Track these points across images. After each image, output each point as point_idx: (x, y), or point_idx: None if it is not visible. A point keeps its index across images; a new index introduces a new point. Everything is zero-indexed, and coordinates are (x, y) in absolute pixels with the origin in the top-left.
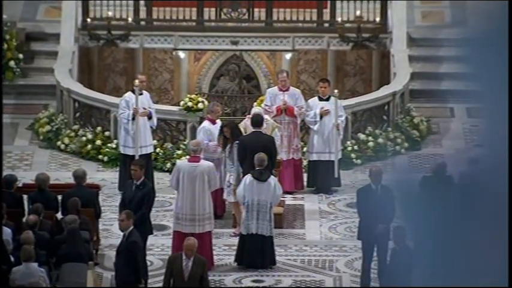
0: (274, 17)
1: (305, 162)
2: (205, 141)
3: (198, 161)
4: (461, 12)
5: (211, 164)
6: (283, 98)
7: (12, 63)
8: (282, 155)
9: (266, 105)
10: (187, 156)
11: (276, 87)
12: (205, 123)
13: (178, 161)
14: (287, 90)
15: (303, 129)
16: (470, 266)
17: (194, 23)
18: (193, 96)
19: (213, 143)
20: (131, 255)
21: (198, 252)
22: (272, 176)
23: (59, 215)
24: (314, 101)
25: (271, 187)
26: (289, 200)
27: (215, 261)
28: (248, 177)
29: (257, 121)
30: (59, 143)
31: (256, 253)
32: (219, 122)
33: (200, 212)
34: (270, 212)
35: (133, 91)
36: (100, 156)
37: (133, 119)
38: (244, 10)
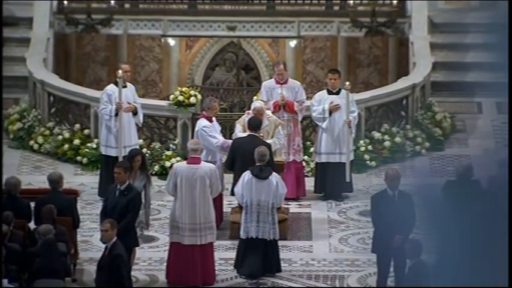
0: None
1: (312, 165)
2: (218, 137)
3: (198, 163)
4: None
5: (212, 166)
6: (280, 92)
7: None
8: (282, 157)
9: (262, 101)
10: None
11: (272, 79)
12: (204, 122)
13: (175, 164)
14: (285, 83)
15: (310, 127)
16: (500, 280)
17: (186, 6)
18: (184, 89)
19: (231, 140)
20: (114, 270)
21: (201, 266)
22: (274, 173)
23: (32, 225)
24: (322, 94)
25: (272, 185)
26: (294, 207)
27: None
28: (247, 175)
29: (254, 124)
30: (31, 142)
31: (257, 260)
32: (214, 120)
33: (202, 221)
34: (272, 213)
35: (116, 83)
36: (78, 158)
37: (116, 115)
38: None
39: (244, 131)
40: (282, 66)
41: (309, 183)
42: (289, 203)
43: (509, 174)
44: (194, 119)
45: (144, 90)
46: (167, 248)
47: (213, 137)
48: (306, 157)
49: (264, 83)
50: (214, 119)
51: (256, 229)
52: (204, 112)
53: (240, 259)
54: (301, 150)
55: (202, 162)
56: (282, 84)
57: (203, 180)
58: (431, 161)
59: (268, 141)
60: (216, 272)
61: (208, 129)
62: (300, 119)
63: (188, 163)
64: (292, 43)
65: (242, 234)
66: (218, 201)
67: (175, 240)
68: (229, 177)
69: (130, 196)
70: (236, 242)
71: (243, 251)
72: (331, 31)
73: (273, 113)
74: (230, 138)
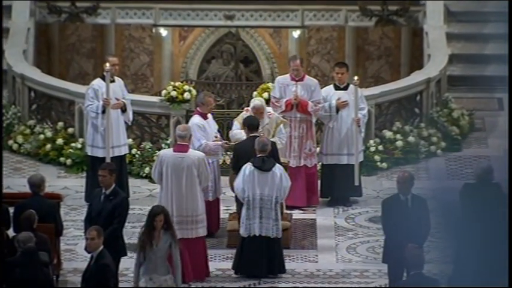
0: None
1: (318, 167)
2: (201, 141)
3: (185, 151)
4: None
5: (201, 154)
6: (294, 90)
7: None
8: (291, 161)
9: (274, 98)
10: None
11: (287, 75)
12: (196, 119)
13: (161, 151)
14: (301, 80)
15: (315, 125)
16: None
17: None
18: (178, 84)
19: (215, 143)
20: (101, 281)
21: (192, 262)
22: (278, 165)
23: (11, 232)
24: (329, 90)
25: (276, 178)
26: (297, 213)
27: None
28: (248, 167)
29: (252, 125)
30: (10, 142)
31: (260, 259)
32: (209, 116)
33: (189, 213)
34: (275, 208)
35: (103, 77)
36: (62, 159)
37: (103, 112)
38: None
39: (243, 130)
40: (298, 62)
41: None
42: (293, 210)
43: (509, 175)
44: (188, 117)
45: (134, 85)
46: None
47: (199, 139)
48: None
49: (277, 78)
50: (210, 116)
51: (260, 226)
52: (198, 108)
53: (241, 259)
54: (313, 155)
55: (190, 150)
56: (297, 81)
57: (190, 170)
58: (447, 162)
59: None
60: (213, 284)
61: (198, 128)
62: (314, 120)
63: (175, 151)
64: (296, 33)
65: (243, 232)
66: (215, 206)
67: None
68: (226, 180)
69: (117, 201)
70: (234, 251)
71: (245, 250)
72: (338, 20)
73: (284, 111)
74: (227, 137)
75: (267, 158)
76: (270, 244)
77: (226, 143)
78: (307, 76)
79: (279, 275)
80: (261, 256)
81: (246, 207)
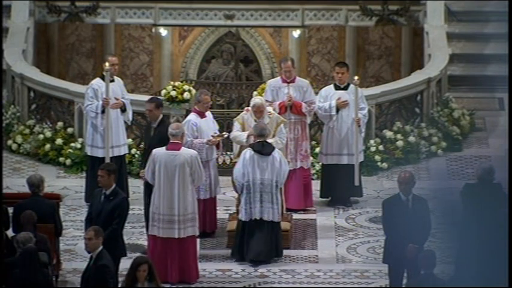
0: None
1: (318, 167)
2: (188, 138)
3: (178, 149)
4: None
5: (194, 152)
6: (287, 92)
7: None
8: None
9: (267, 101)
10: None
11: (278, 77)
12: (191, 116)
13: (155, 149)
14: (292, 81)
15: (315, 125)
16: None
17: None
18: (177, 83)
19: (199, 140)
20: (100, 282)
21: (180, 262)
22: (277, 149)
23: (10, 233)
24: (329, 90)
25: (276, 162)
26: (298, 213)
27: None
28: (248, 152)
29: (155, 100)
30: (10, 142)
31: (262, 242)
32: (209, 115)
33: (181, 213)
34: (275, 192)
35: (102, 77)
36: (61, 159)
37: (102, 112)
38: None
39: (243, 130)
40: (289, 63)
41: (315, 186)
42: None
43: (509, 175)
44: (187, 115)
45: (134, 84)
46: None
47: (187, 136)
48: (311, 159)
49: (269, 82)
50: (209, 115)
51: (260, 210)
52: (195, 106)
53: (242, 244)
54: (308, 156)
55: (183, 148)
56: (288, 82)
57: (183, 169)
58: (448, 162)
59: (270, 140)
60: (213, 284)
61: (188, 126)
62: (308, 121)
63: (167, 149)
64: (296, 33)
65: (244, 217)
66: (210, 206)
67: (152, 233)
68: (226, 180)
69: (117, 201)
70: None
71: (246, 234)
72: (338, 20)
73: (278, 114)
74: (228, 137)
75: (267, 143)
76: (270, 228)
77: (209, 141)
78: (298, 77)
79: (278, 274)
80: (263, 239)
81: (246, 192)
